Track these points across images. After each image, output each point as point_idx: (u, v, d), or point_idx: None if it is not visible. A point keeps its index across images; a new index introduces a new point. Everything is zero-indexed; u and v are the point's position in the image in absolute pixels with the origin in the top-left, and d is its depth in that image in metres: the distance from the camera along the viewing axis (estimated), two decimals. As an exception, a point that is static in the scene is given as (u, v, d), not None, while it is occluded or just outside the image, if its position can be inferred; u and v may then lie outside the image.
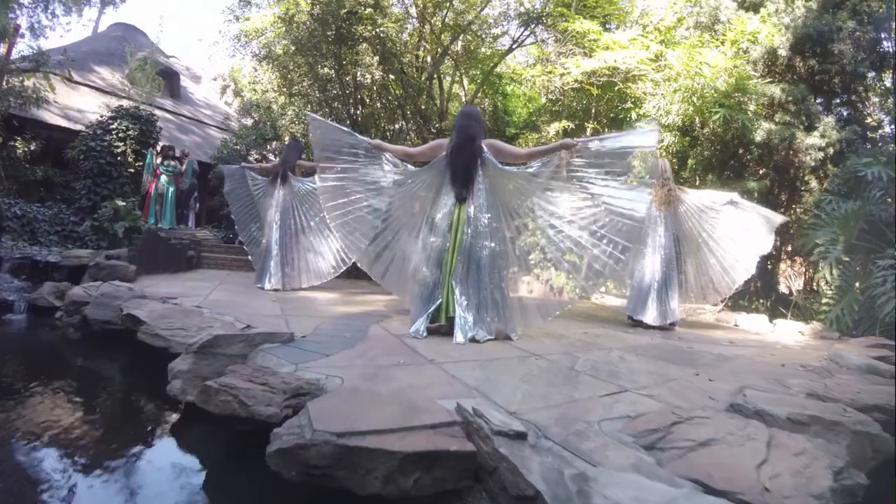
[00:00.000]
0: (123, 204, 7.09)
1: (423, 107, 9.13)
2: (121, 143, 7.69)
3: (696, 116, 6.58)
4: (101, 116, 8.04)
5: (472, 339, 3.23)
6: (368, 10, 6.65)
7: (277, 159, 6.54)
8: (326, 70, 8.04)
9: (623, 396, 2.25)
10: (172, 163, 8.35)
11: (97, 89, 9.85)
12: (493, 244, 3.52)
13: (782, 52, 5.96)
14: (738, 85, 5.90)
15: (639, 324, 4.74)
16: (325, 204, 4.04)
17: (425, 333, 3.29)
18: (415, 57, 7.75)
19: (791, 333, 5.25)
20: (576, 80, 5.96)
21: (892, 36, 4.47)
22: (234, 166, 6.58)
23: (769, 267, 7.15)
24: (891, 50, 5.99)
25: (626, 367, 2.85)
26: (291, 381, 1.98)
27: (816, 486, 1.51)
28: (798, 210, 7.56)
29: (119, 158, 7.69)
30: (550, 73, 6.17)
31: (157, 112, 8.83)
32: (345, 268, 5.77)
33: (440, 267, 3.49)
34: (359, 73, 8.08)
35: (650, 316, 4.67)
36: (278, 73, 8.59)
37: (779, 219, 4.89)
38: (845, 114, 6.37)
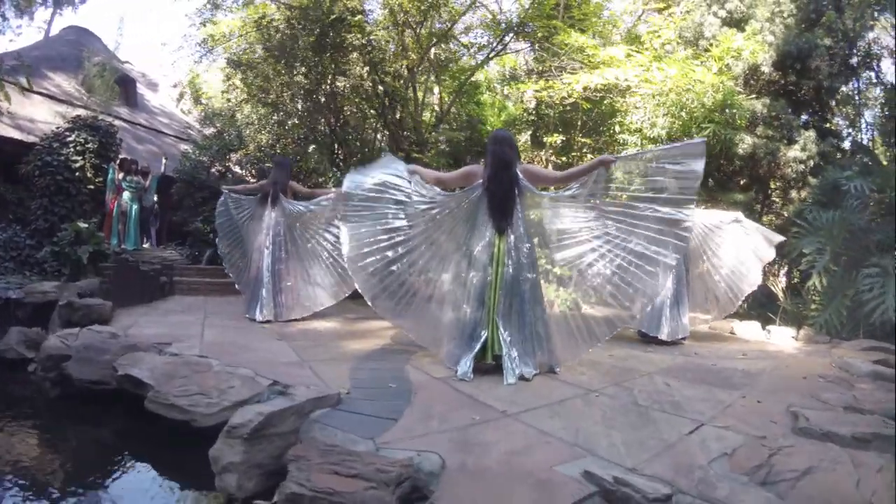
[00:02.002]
0: (86, 226, 6.71)
1: (399, 116, 9.21)
2: (79, 158, 7.26)
3: (683, 130, 7.10)
4: (58, 128, 7.54)
5: (521, 377, 3.27)
6: (358, 16, 6.65)
7: (264, 180, 6.36)
8: (302, 78, 7.96)
9: (704, 432, 2.47)
10: (136, 178, 7.96)
11: (50, 97, 9.20)
12: (533, 275, 3.56)
13: (765, 69, 6.57)
14: (724, 101, 6.43)
15: (653, 340, 5.08)
16: (351, 234, 3.75)
17: (472, 375, 3.27)
18: (399, 66, 7.83)
19: (785, 339, 5.81)
20: (577, 95, 6.28)
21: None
22: (221, 197, 6.16)
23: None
24: (862, 68, 6.77)
25: (680, 396, 3.11)
26: (386, 468, 1.81)
27: None
28: (775, 219, 8.32)
29: (77, 174, 7.25)
30: (550, 87, 6.46)
31: (113, 121, 8.39)
32: (344, 296, 5.62)
33: (482, 303, 3.48)
34: (338, 83, 8.04)
35: (664, 332, 5.02)
36: (251, 81, 8.38)
37: (777, 238, 5.40)
38: (823, 127, 7.09)
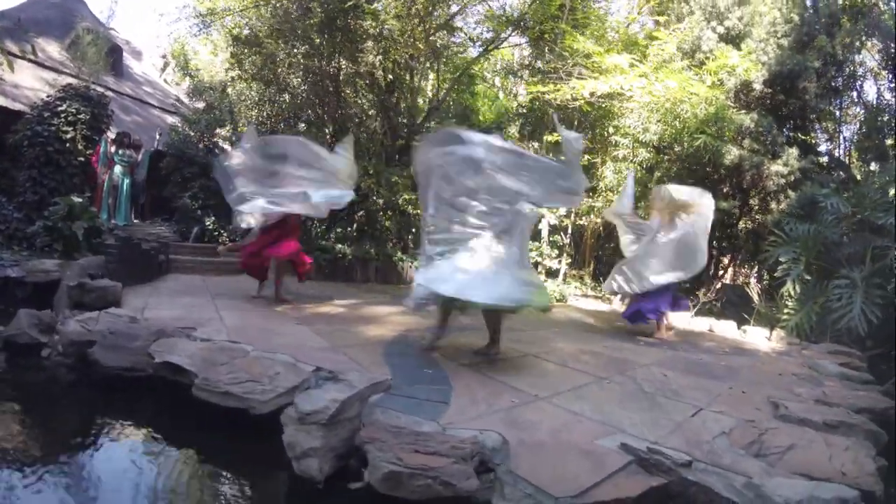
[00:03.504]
0: (79, 200, 6.80)
1: (396, 102, 9.55)
2: (70, 129, 7.26)
3: (674, 138, 7.74)
4: (48, 96, 7.49)
5: None
6: (374, 5, 6.93)
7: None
8: (305, 59, 8.17)
9: (703, 415, 3.01)
10: (128, 152, 8.03)
11: (36, 63, 9.02)
12: None
13: (756, 86, 7.24)
14: (716, 114, 7.07)
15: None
16: None
17: None
18: (405, 54, 8.13)
19: (759, 339, 6.55)
20: (583, 99, 6.79)
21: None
22: None
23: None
24: (847, 89, 7.54)
25: (677, 385, 3.67)
26: (460, 445, 2.11)
27: (868, 468, 2.37)
28: (752, 224, 9.12)
29: (68, 146, 7.28)
30: (558, 89, 6.94)
31: (100, 90, 8.36)
32: None
33: None
34: (343, 65, 8.30)
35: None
36: (252, 58, 8.52)
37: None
38: (806, 144, 7.84)
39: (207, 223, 10.06)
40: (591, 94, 6.76)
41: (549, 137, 8.04)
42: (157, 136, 9.96)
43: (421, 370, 3.44)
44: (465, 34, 9.45)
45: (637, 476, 2.16)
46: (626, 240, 6.10)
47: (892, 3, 6.94)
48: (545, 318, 5.78)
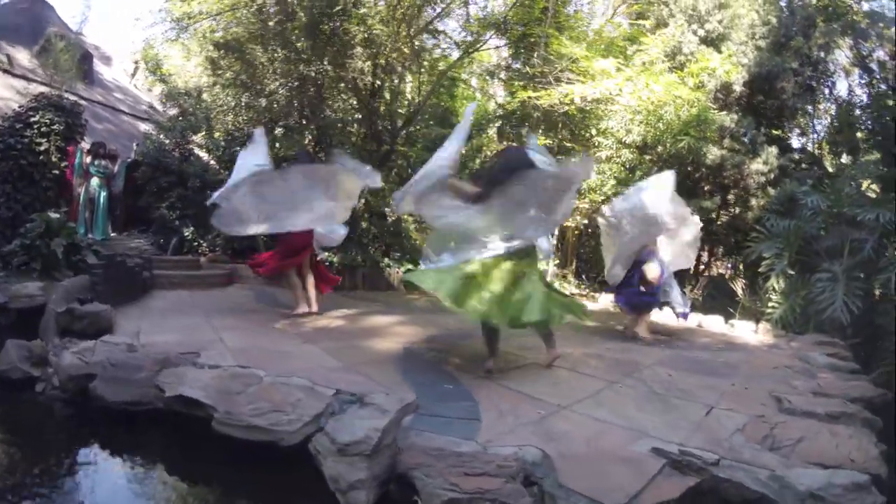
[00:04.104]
0: (56, 216, 6.67)
1: (379, 107, 9.63)
2: (43, 140, 7.09)
3: (657, 139, 8.06)
4: (20, 106, 7.28)
5: None
6: (363, 10, 6.99)
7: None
8: (286, 65, 8.17)
9: (716, 413, 3.21)
10: (103, 162, 7.86)
11: (6, 71, 8.71)
12: None
13: (736, 87, 7.63)
14: (699, 115, 7.41)
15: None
16: None
17: None
18: (389, 58, 8.22)
19: (747, 332, 6.91)
20: (571, 103, 7.02)
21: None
22: None
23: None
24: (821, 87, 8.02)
25: (684, 385, 3.88)
26: (506, 464, 2.18)
27: (872, 454, 2.61)
28: (732, 220, 9.56)
29: (42, 158, 7.11)
30: (550, 95, 7.15)
31: (74, 99, 8.15)
32: None
33: None
34: (327, 69, 8.32)
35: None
36: (231, 62, 8.44)
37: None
38: (784, 143, 8.29)
39: (186, 233, 9.95)
40: (582, 99, 7.00)
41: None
42: (135, 146, 9.77)
43: (441, 386, 3.49)
44: (450, 38, 9.59)
45: (672, 478, 2.33)
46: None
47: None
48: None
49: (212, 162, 10.70)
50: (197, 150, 10.80)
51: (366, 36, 7.25)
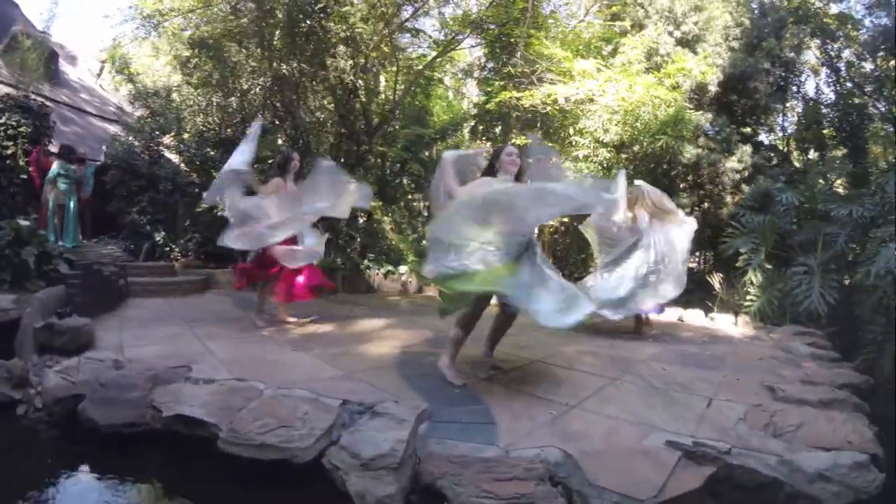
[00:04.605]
0: (26, 223, 6.41)
1: (356, 106, 9.59)
2: (10, 143, 6.83)
3: (634, 139, 8.27)
4: (-15, 109, 6.99)
5: None
6: (346, 7, 6.94)
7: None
8: (262, 62, 8.05)
9: (718, 404, 3.36)
10: (73, 167, 7.58)
11: None
12: None
13: (711, 88, 7.92)
14: (676, 115, 7.65)
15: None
16: None
17: None
18: (369, 57, 8.19)
19: (727, 325, 7.17)
20: (553, 104, 7.15)
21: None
22: None
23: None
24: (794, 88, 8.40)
25: (681, 378, 4.02)
26: (532, 467, 2.22)
27: (867, 436, 2.80)
28: (706, 216, 9.88)
29: (9, 162, 6.83)
30: (531, 95, 7.26)
31: (40, 100, 7.83)
32: None
33: None
34: (306, 72, 8.24)
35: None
36: (204, 61, 8.26)
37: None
38: (757, 141, 8.65)
39: (157, 238, 9.72)
40: (566, 100, 7.14)
41: (517, 141, 8.36)
42: (105, 149, 9.46)
43: (448, 390, 3.47)
44: (428, 36, 9.62)
45: (690, 469, 2.44)
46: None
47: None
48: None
49: (182, 166, 10.48)
50: (167, 153, 10.55)
51: (348, 34, 7.21)
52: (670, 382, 3.91)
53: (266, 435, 2.46)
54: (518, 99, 7.67)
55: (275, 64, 7.97)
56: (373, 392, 3.27)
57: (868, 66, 8.92)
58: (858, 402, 3.47)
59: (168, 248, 9.86)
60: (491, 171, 3.81)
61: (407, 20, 8.85)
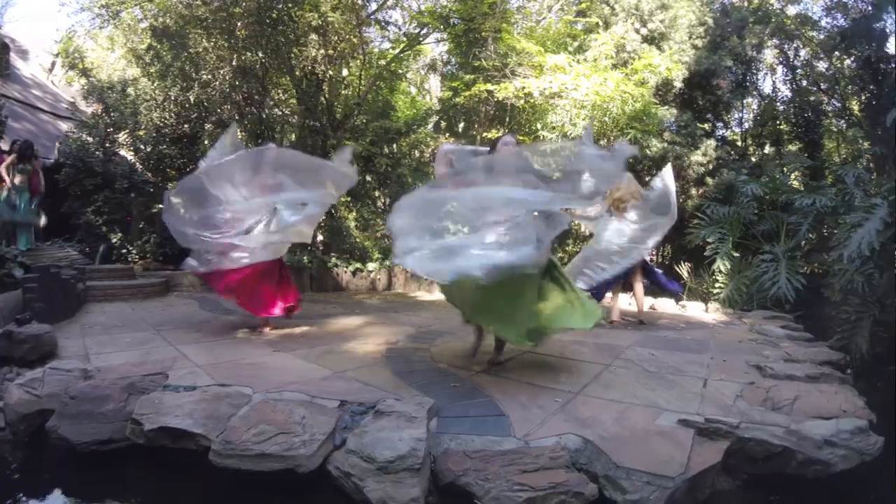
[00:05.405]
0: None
1: (322, 99, 9.37)
2: (-47, 141, 6.30)
3: (602, 132, 8.43)
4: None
5: None
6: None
7: None
8: (238, 56, 7.73)
9: (712, 384, 3.44)
10: (27, 166, 7.05)
11: None
12: None
13: (677, 84, 8.15)
14: (643, 110, 7.84)
15: None
16: None
17: None
18: (342, 48, 7.99)
19: (698, 311, 7.39)
20: (523, 97, 7.17)
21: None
22: None
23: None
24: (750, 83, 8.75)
25: (672, 361, 4.09)
26: (556, 455, 2.20)
27: (859, 404, 2.93)
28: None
29: (-46, 161, 6.30)
30: (504, 88, 7.27)
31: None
32: None
33: None
34: (274, 63, 7.97)
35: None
36: (170, 54, 7.84)
37: None
38: (720, 136, 8.97)
39: (114, 240, 9.23)
40: (541, 93, 7.18)
41: (488, 135, 8.38)
42: (58, 145, 8.89)
43: (447, 385, 3.39)
44: (397, 28, 9.51)
45: (706, 444, 2.48)
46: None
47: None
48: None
49: (138, 164, 9.99)
50: (122, 151, 10.03)
51: (320, 23, 7.00)
52: (662, 366, 3.97)
53: (264, 444, 2.28)
54: (491, 92, 7.65)
55: (241, 55, 7.66)
56: (369, 390, 3.14)
57: (823, 65, 9.44)
58: (842, 376, 3.63)
59: (125, 251, 9.38)
60: None
61: (375, 11, 8.73)
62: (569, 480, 2.07)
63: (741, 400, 3.13)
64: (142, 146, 9.54)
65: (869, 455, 2.48)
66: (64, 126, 10.36)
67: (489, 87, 7.72)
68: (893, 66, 7.42)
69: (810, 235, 6.87)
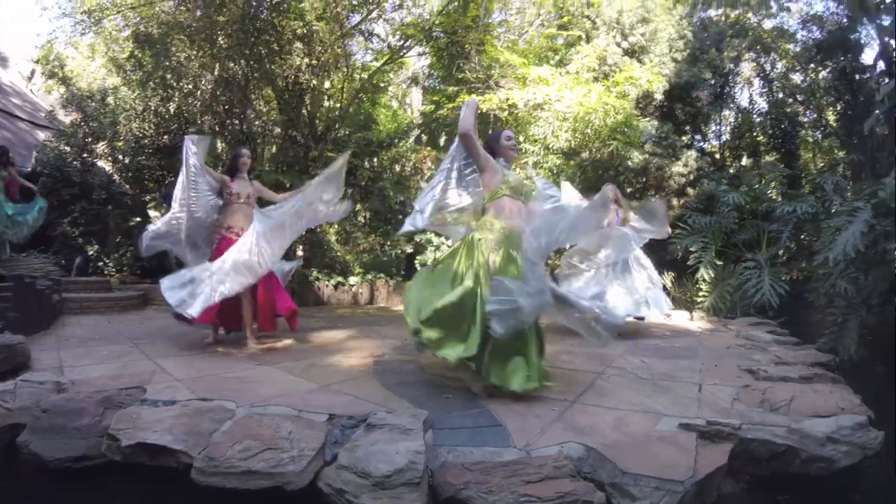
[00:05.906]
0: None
1: (304, 110, 9.25)
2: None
3: (583, 144, 8.47)
4: None
5: None
6: (304, 3, 6.65)
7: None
8: (221, 64, 7.60)
9: (707, 388, 3.41)
10: (3, 173, 6.77)
11: None
12: None
13: (657, 96, 8.27)
14: (625, 122, 7.92)
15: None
16: None
17: None
18: (326, 59, 7.92)
19: (683, 320, 7.40)
20: (506, 109, 7.18)
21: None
22: None
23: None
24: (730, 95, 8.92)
25: (663, 368, 4.06)
26: (560, 464, 2.13)
27: (855, 402, 2.94)
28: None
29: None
30: (489, 100, 7.27)
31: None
32: None
33: None
34: (257, 72, 7.85)
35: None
36: (151, 63, 7.66)
37: None
38: (700, 147, 9.11)
39: (90, 252, 8.95)
40: (525, 104, 7.20)
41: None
42: (36, 154, 8.63)
43: (440, 396, 3.27)
44: (381, 39, 9.49)
45: (709, 447, 2.42)
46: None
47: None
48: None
49: (116, 176, 9.74)
50: (100, 162, 9.77)
51: (305, 31, 6.92)
52: (654, 373, 3.93)
53: (250, 460, 2.15)
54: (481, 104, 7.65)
55: (224, 65, 7.53)
56: (358, 403, 3.02)
57: (799, 76, 9.70)
58: (834, 376, 3.63)
59: (102, 263, 9.09)
60: (492, 155, 3.58)
61: (359, 23, 8.70)
62: (576, 489, 1.97)
63: (738, 402, 3.11)
64: (121, 157, 9.31)
65: (871, 450, 2.47)
66: (42, 135, 10.09)
67: (467, 96, 7.72)
68: (868, 75, 7.63)
69: (789, 245, 6.95)
